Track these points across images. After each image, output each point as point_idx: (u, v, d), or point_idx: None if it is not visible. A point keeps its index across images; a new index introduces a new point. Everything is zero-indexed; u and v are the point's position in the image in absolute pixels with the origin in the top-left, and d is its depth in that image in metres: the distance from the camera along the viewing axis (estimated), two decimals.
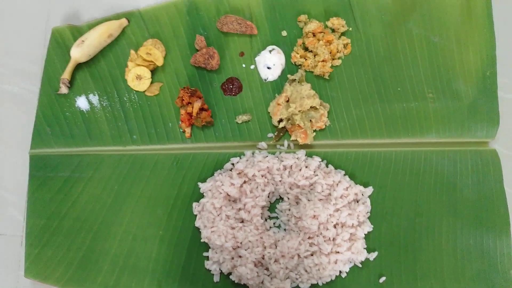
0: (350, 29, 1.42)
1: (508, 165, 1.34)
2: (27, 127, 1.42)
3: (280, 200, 1.35)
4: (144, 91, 1.41)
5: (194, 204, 1.33)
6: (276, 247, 1.26)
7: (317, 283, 1.27)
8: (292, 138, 1.35)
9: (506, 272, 1.26)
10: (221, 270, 1.28)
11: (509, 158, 1.35)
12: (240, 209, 1.29)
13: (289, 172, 1.32)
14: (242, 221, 1.29)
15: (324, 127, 1.37)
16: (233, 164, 1.35)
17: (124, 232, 1.33)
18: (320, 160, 1.34)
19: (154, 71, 1.42)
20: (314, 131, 1.37)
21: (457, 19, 1.38)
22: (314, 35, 1.40)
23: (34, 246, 1.32)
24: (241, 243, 1.26)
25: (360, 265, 1.28)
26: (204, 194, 1.33)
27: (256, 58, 1.41)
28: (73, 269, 1.30)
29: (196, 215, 1.33)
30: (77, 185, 1.36)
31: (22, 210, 1.40)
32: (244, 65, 1.42)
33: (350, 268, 1.28)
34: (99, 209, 1.34)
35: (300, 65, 1.41)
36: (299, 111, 1.33)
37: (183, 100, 1.36)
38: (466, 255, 1.28)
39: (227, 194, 1.30)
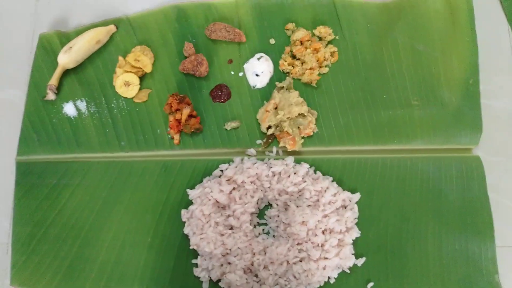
0: (337, 37, 1.44)
1: (491, 171, 1.37)
2: (14, 134, 1.41)
3: (269, 207, 1.35)
4: (132, 98, 1.41)
5: (183, 211, 1.33)
6: (265, 253, 1.26)
7: None
8: (281, 144, 1.36)
9: (491, 276, 1.28)
10: (210, 277, 1.28)
11: (492, 164, 1.38)
12: (229, 215, 1.29)
13: (277, 178, 1.32)
14: (231, 228, 1.30)
15: (312, 134, 1.38)
16: (222, 170, 1.36)
17: (112, 239, 1.32)
18: (309, 166, 1.35)
19: (142, 77, 1.42)
20: (302, 138, 1.38)
21: (441, 28, 1.42)
22: (301, 43, 1.42)
23: (20, 253, 1.30)
24: (230, 249, 1.26)
25: (348, 271, 1.29)
26: (193, 201, 1.33)
27: (244, 66, 1.42)
28: (60, 277, 1.29)
29: (184, 222, 1.33)
30: (64, 192, 1.35)
31: (8, 217, 1.38)
32: (232, 72, 1.43)
33: (338, 274, 1.29)
34: (86, 216, 1.33)
35: (288, 72, 1.42)
36: (287, 118, 1.34)
37: (171, 106, 1.36)
38: (452, 260, 1.30)
39: (216, 201, 1.30)
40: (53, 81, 1.38)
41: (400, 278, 1.29)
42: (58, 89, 1.41)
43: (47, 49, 1.44)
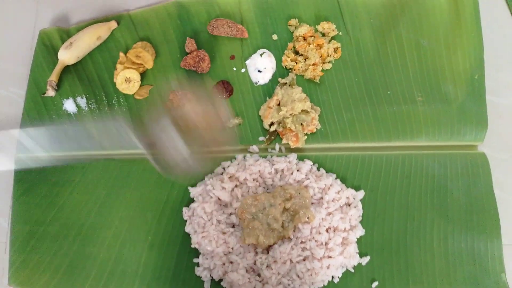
0: (340, 33, 1.43)
1: (496, 168, 1.35)
2: (13, 131, 1.39)
3: None
4: (133, 94, 1.39)
5: (184, 209, 1.31)
6: (268, 252, 1.24)
7: None
8: (284, 141, 1.34)
9: (497, 275, 1.26)
10: (212, 277, 1.26)
11: (497, 161, 1.36)
12: (231, 213, 1.27)
13: (280, 175, 1.31)
14: (233, 226, 1.28)
15: (315, 130, 1.36)
16: (224, 168, 1.34)
17: (113, 237, 1.30)
18: (312, 163, 1.33)
19: (143, 74, 1.41)
20: (305, 134, 1.36)
21: (446, 23, 1.40)
22: (304, 39, 1.40)
23: (19, 252, 1.28)
24: (232, 248, 1.24)
25: (353, 270, 1.27)
26: (195, 198, 1.31)
27: (247, 62, 1.41)
28: (59, 276, 1.27)
29: (186, 220, 1.31)
30: (64, 190, 1.33)
31: (6, 216, 1.36)
32: (235, 69, 1.41)
33: (342, 273, 1.27)
34: (86, 214, 1.31)
35: (290, 68, 1.40)
36: (290, 114, 1.32)
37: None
38: (458, 259, 1.27)
39: (218, 199, 1.28)
40: (53, 77, 1.37)
41: (405, 277, 1.27)
42: (58, 85, 1.39)
43: (47, 45, 1.42)
